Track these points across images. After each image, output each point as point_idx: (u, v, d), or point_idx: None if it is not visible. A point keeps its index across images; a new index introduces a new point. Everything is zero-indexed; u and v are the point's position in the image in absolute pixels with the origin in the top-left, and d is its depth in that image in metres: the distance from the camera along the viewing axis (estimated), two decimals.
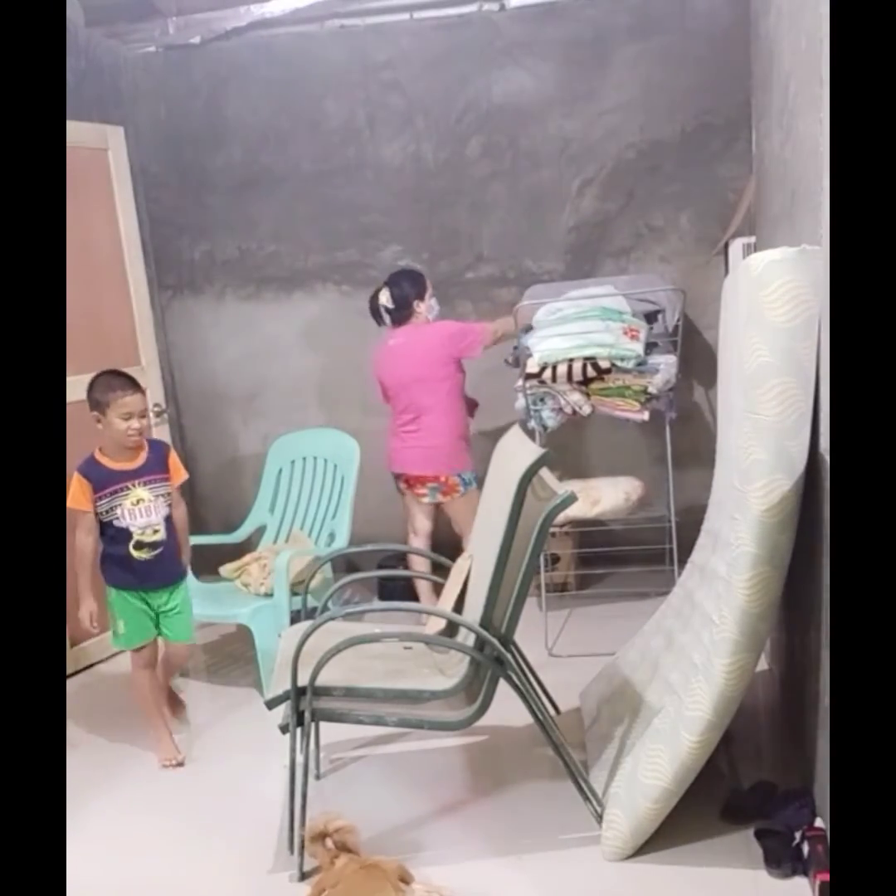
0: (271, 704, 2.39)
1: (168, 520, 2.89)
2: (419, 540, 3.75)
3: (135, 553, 2.82)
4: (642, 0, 3.94)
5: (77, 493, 2.80)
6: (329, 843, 2.16)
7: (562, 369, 3.49)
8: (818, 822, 2.25)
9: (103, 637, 3.75)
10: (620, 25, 3.97)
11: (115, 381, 2.78)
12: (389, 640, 2.64)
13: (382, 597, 4.07)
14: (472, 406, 3.75)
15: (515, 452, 2.50)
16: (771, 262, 2.13)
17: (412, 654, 2.61)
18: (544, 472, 2.39)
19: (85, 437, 3.61)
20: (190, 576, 3.64)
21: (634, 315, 3.63)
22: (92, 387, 2.79)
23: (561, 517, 2.66)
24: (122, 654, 3.81)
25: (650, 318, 3.68)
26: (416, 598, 3.74)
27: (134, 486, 2.83)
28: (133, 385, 2.80)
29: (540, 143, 4.13)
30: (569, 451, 4.10)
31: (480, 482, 3.18)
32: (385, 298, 3.63)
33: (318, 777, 2.73)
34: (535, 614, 3.55)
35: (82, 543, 2.80)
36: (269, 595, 3.34)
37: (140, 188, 4.18)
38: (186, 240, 4.54)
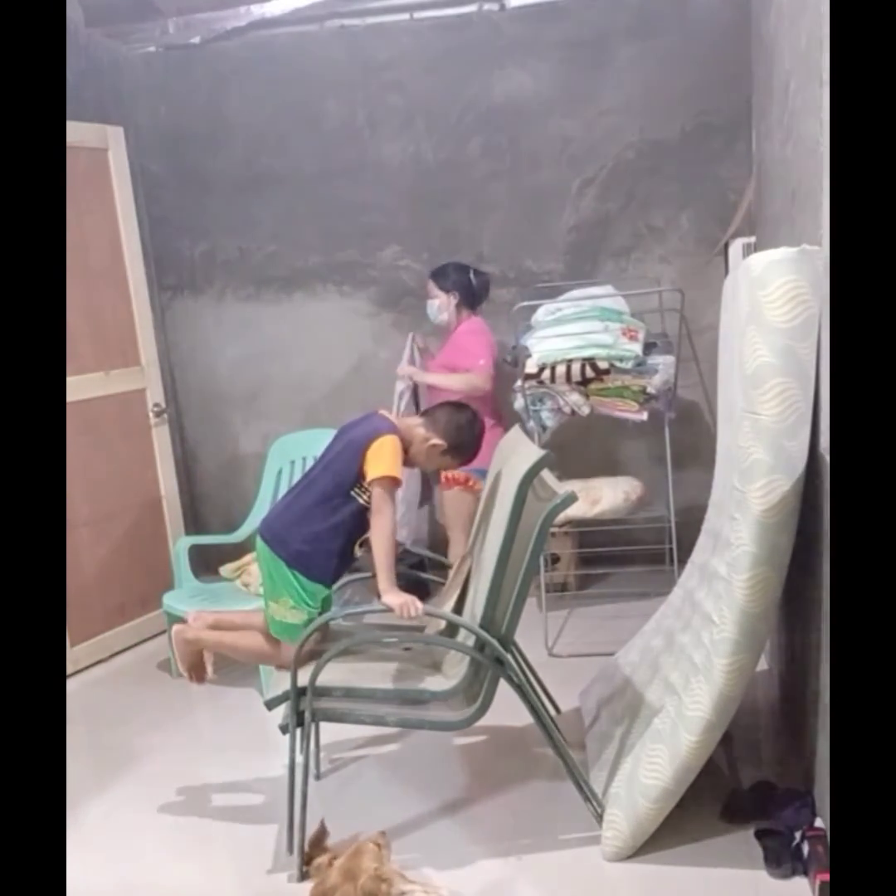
0: (271, 705, 2.39)
1: None
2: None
3: (356, 550, 2.53)
4: (642, 0, 3.94)
5: (400, 461, 2.42)
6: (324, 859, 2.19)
7: (561, 370, 3.49)
8: (818, 822, 2.25)
9: (103, 637, 3.78)
10: (620, 25, 3.97)
11: (474, 452, 2.63)
12: (389, 641, 2.64)
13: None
14: None
15: (516, 453, 2.50)
16: (771, 262, 2.13)
17: (412, 654, 2.61)
18: (544, 473, 2.39)
19: (85, 437, 3.64)
20: (189, 576, 3.66)
21: (633, 315, 3.63)
22: (471, 428, 2.60)
23: (561, 517, 2.66)
24: (122, 654, 3.82)
25: None
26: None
27: None
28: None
29: (540, 143, 4.13)
30: (568, 451, 4.10)
31: None
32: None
33: (318, 777, 2.73)
34: (535, 614, 3.55)
35: (393, 524, 2.40)
36: None
37: (140, 188, 4.18)
38: (186, 240, 4.54)
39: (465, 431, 2.58)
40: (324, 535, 2.46)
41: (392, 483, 2.40)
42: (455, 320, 3.69)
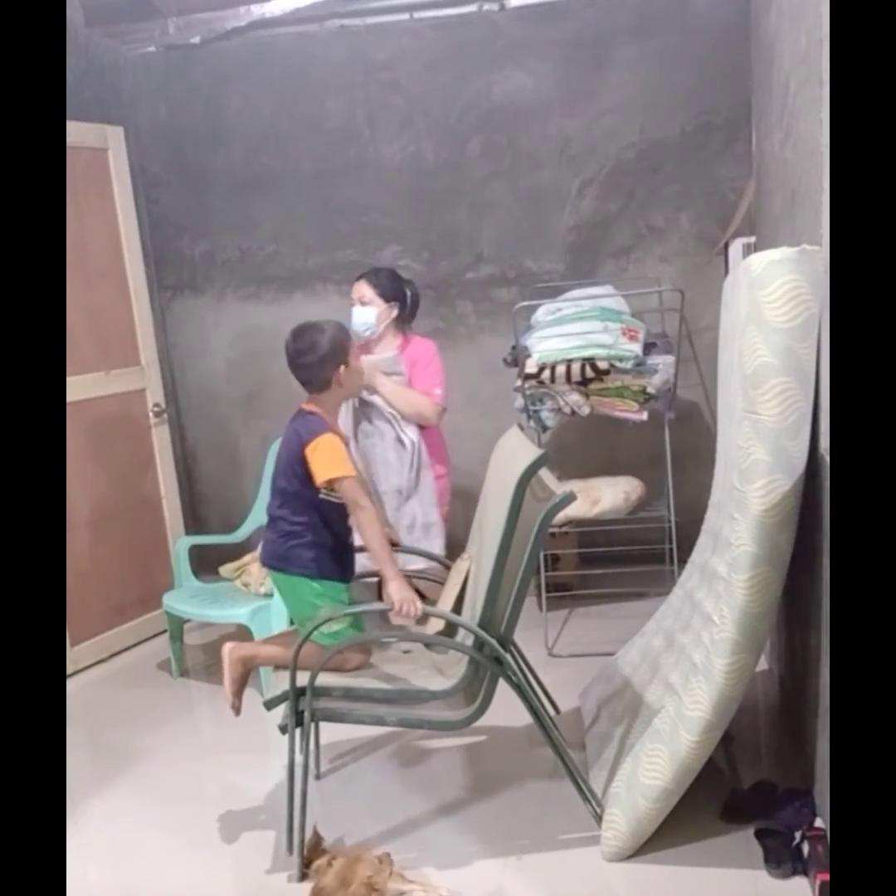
0: (270, 705, 2.38)
1: None
2: None
3: (349, 537, 2.52)
4: (642, 0, 3.94)
5: (343, 455, 2.41)
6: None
7: (560, 370, 3.49)
8: (818, 822, 2.25)
9: (103, 637, 3.78)
10: (620, 25, 3.97)
11: (345, 332, 2.52)
12: (389, 641, 2.64)
13: (382, 597, 4.06)
14: None
15: (514, 453, 2.50)
16: (771, 262, 2.13)
17: (412, 655, 2.61)
18: (543, 472, 2.39)
19: (85, 437, 3.64)
20: (189, 575, 3.67)
21: (633, 315, 3.63)
22: (330, 341, 2.46)
23: (561, 517, 2.66)
24: (122, 654, 3.82)
25: None
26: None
27: (349, 449, 2.50)
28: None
29: (540, 143, 4.13)
30: (568, 451, 4.10)
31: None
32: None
33: (318, 777, 2.73)
34: (535, 614, 3.55)
35: (373, 513, 2.43)
36: (268, 595, 3.34)
37: (140, 188, 4.18)
38: (186, 240, 4.54)
39: (322, 345, 2.45)
40: (309, 535, 2.47)
41: (348, 480, 2.40)
42: (395, 336, 3.21)
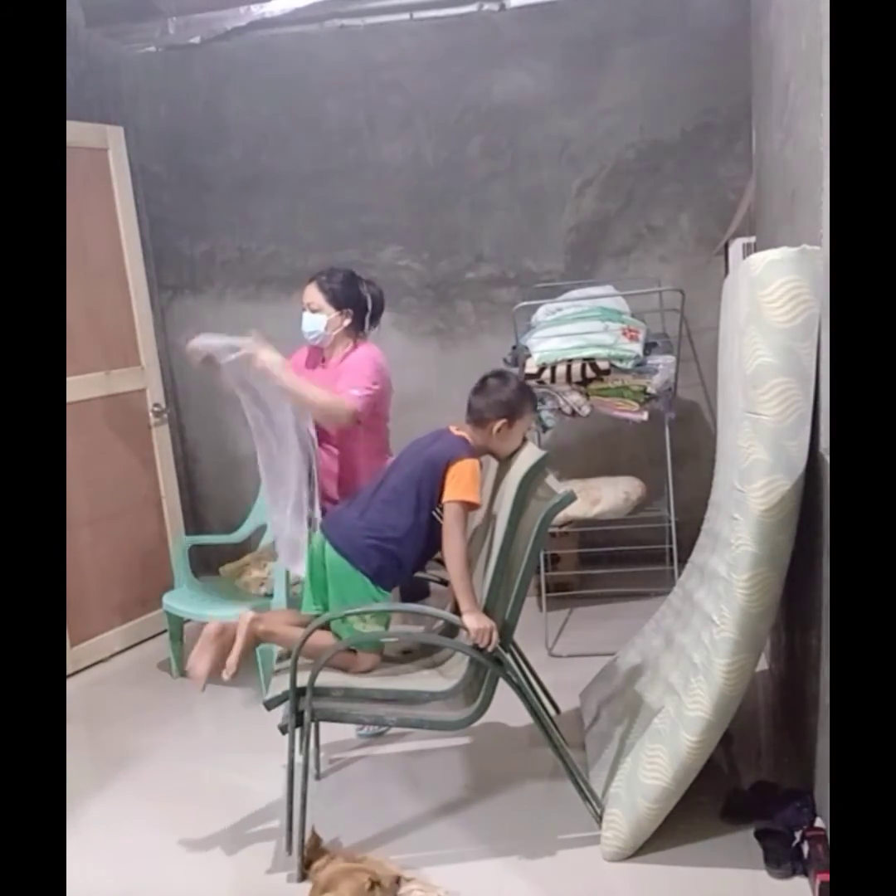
0: (270, 705, 2.39)
1: None
2: None
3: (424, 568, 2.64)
4: (642, 0, 3.94)
5: (478, 486, 2.45)
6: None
7: (561, 370, 3.49)
8: (818, 822, 2.25)
9: (103, 637, 3.78)
10: (620, 25, 3.97)
11: (531, 397, 2.63)
12: (389, 640, 2.64)
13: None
14: None
15: (516, 454, 2.50)
16: (771, 262, 2.13)
17: (412, 655, 2.61)
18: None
19: (85, 437, 3.64)
20: (189, 575, 3.66)
21: (633, 315, 3.63)
22: (507, 384, 2.54)
23: (561, 517, 2.66)
24: (122, 654, 3.82)
25: None
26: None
27: None
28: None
29: (540, 143, 4.13)
30: (568, 451, 4.10)
31: None
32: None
33: (318, 777, 2.74)
34: (535, 614, 3.55)
35: (463, 544, 2.41)
36: (268, 595, 3.34)
37: (140, 188, 4.18)
38: (186, 240, 4.54)
39: (507, 391, 2.53)
40: (402, 549, 2.50)
41: (466, 506, 2.43)
42: (345, 345, 3.00)
